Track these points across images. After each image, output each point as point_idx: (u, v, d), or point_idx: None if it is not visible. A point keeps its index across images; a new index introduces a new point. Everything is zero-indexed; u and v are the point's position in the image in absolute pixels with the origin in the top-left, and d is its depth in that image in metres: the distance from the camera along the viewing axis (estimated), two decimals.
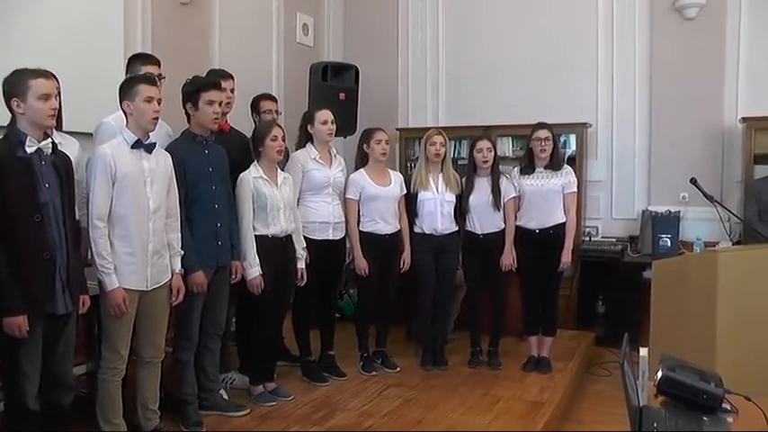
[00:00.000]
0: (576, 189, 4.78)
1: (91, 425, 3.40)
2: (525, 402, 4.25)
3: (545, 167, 4.71)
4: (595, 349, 5.64)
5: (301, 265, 4.32)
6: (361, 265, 4.65)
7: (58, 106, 3.01)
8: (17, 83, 2.89)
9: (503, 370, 4.85)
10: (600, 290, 6.04)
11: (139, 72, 3.79)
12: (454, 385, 4.56)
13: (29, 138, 2.88)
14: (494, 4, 6.82)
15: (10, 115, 3.00)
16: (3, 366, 2.99)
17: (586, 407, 4.61)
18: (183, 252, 3.57)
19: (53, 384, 3.05)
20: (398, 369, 4.85)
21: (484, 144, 4.76)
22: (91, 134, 3.80)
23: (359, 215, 4.70)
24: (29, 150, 2.88)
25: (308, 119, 4.64)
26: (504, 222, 4.77)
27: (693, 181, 5.08)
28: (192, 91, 3.76)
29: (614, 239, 6.28)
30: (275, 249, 4.12)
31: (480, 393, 4.40)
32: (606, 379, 5.06)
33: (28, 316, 2.84)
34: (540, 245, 4.68)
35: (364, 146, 4.78)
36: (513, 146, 6.46)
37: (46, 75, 2.95)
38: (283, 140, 4.18)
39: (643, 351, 2.26)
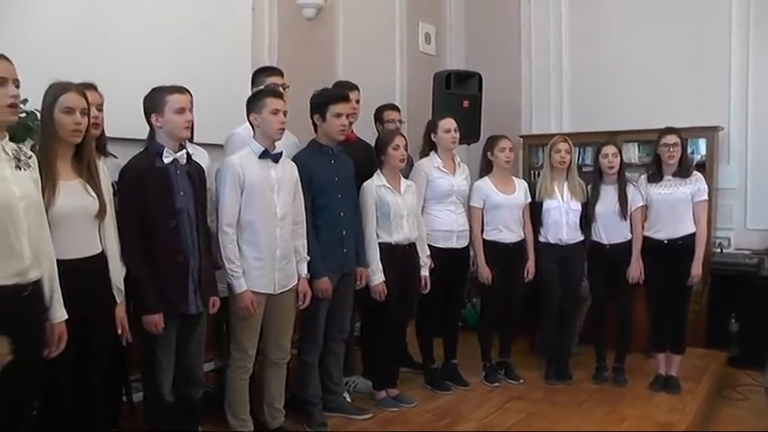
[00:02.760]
0: (706, 197, 4.52)
1: (219, 420, 3.56)
2: (653, 423, 4.06)
3: (673, 175, 4.49)
4: (728, 370, 5.30)
5: (425, 272, 4.33)
6: (485, 273, 4.61)
7: (192, 119, 3.18)
8: (156, 99, 3.10)
9: (628, 387, 4.65)
10: (733, 306, 5.62)
11: (264, 83, 3.94)
12: (578, 401, 4.42)
13: (166, 149, 3.08)
14: (617, 5, 6.60)
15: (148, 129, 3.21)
16: (142, 360, 3.20)
17: None
18: (309, 258, 3.67)
19: (185, 379, 3.23)
20: (522, 381, 4.77)
21: (609, 149, 4.60)
22: (219, 145, 3.98)
23: (483, 223, 4.67)
24: (166, 161, 3.08)
25: (431, 127, 4.67)
26: (632, 232, 4.59)
27: None
28: (321, 103, 3.86)
29: (749, 252, 5.90)
30: (398, 257, 4.16)
31: (605, 411, 4.24)
32: (742, 404, 4.75)
33: (164, 315, 3.03)
34: (668, 256, 4.46)
35: (488, 153, 4.74)
36: (639, 152, 6.21)
37: (181, 90, 3.13)
38: (405, 149, 4.22)
39: None
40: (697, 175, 4.55)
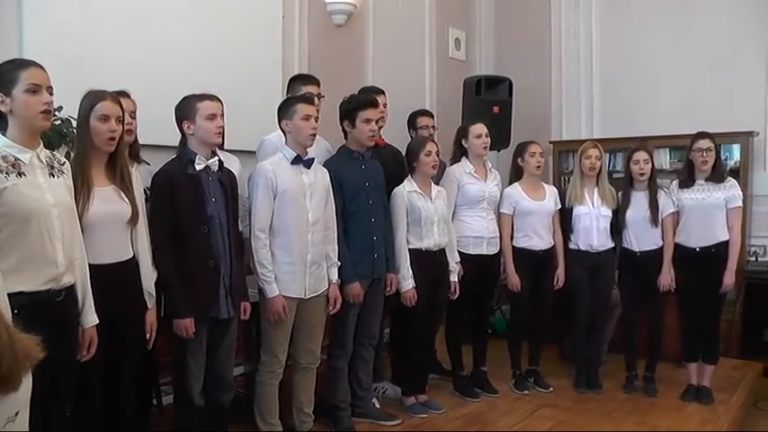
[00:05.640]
0: (741, 203, 4.40)
1: (248, 423, 3.59)
2: None
3: (706, 180, 4.39)
4: (764, 381, 5.16)
5: (454, 278, 4.32)
6: (514, 281, 4.59)
7: (223, 125, 3.22)
8: (187, 106, 3.15)
9: (659, 397, 4.56)
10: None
11: (300, 92, 3.96)
12: (608, 410, 4.36)
13: (198, 156, 3.12)
14: (648, 9, 6.51)
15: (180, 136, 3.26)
16: (172, 364, 3.25)
17: None
18: (339, 263, 3.69)
19: (215, 383, 3.26)
20: (551, 389, 4.73)
21: (641, 155, 4.53)
22: (251, 152, 4.02)
23: (512, 230, 4.64)
24: (198, 168, 3.12)
25: (462, 133, 4.66)
26: (663, 239, 4.51)
27: None
28: (350, 109, 3.88)
29: None
30: (428, 263, 4.16)
31: (636, 421, 4.18)
32: None
33: (194, 319, 3.06)
34: (700, 264, 4.36)
35: (519, 159, 4.72)
36: (670, 158, 6.13)
37: (211, 97, 3.18)
38: (437, 155, 4.22)
39: None
40: (731, 181, 4.44)
